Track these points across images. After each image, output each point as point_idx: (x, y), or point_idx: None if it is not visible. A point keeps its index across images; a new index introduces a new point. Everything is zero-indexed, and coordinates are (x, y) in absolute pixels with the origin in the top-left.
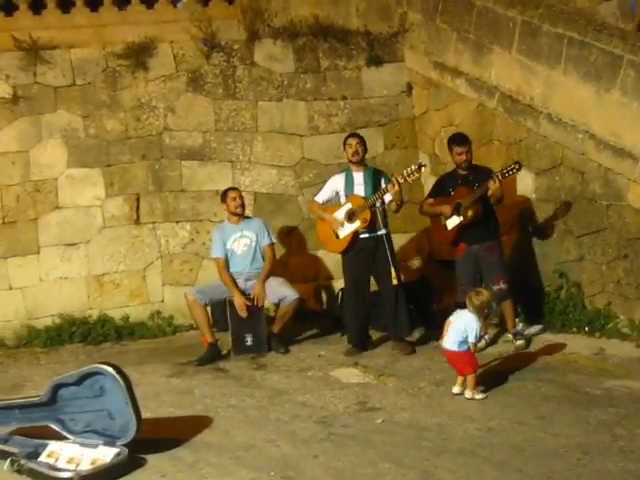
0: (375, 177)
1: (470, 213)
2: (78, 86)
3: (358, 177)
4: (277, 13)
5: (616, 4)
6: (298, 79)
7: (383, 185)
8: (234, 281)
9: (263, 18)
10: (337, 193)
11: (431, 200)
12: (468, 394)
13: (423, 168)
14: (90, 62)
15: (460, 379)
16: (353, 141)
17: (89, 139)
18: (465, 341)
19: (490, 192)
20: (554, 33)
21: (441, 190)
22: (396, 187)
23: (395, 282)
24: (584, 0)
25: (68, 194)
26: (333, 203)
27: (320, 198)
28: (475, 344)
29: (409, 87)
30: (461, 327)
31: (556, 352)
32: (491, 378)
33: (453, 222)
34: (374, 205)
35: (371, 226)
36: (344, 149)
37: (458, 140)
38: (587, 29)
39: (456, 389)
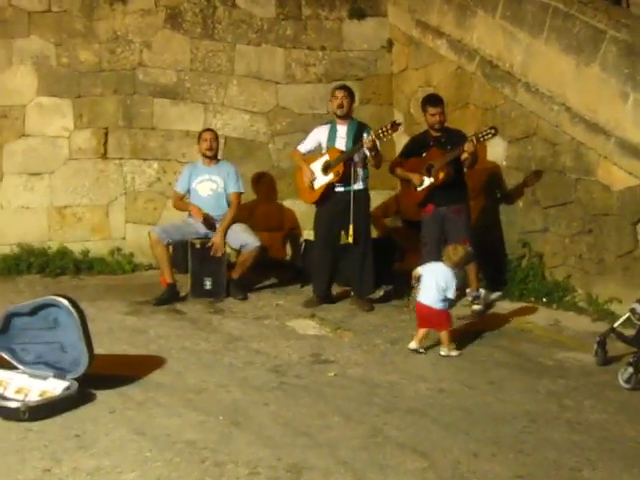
0: (358, 131)
1: (442, 175)
2: (53, 13)
3: (342, 130)
4: None
5: None
6: (278, 25)
7: (363, 139)
8: (188, 202)
9: None
10: (320, 144)
11: (402, 160)
12: (443, 351)
13: (399, 127)
14: None
15: (420, 335)
16: (339, 93)
17: (61, 68)
18: (445, 299)
19: (464, 155)
20: (539, 1)
21: (413, 150)
22: (371, 143)
23: (350, 240)
24: None
25: (35, 123)
26: (315, 153)
27: (303, 148)
28: (454, 300)
29: (389, 43)
30: (441, 284)
31: (512, 320)
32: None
33: (424, 183)
34: (350, 159)
35: (345, 180)
36: (330, 100)
37: (432, 101)
38: (573, 1)
39: (413, 345)
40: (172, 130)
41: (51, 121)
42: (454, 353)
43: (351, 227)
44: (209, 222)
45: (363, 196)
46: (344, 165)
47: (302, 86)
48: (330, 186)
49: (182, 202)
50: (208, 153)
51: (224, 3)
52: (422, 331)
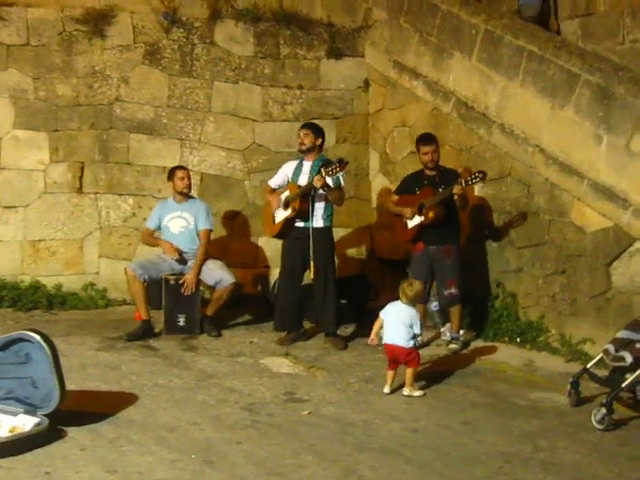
0: (321, 167)
1: (431, 214)
2: (32, 47)
3: (306, 166)
4: None
5: (578, 23)
6: (256, 63)
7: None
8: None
9: None
10: (288, 179)
11: (395, 197)
12: (406, 391)
13: (346, 165)
14: (47, 23)
15: (390, 379)
16: (301, 132)
17: (38, 102)
18: (413, 336)
19: (455, 197)
20: (515, 45)
21: (407, 188)
22: (321, 181)
23: (312, 277)
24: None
25: (11, 155)
26: (283, 188)
27: (273, 182)
28: (421, 335)
29: (366, 83)
30: (406, 321)
31: (486, 360)
32: (420, 380)
33: (414, 221)
34: (307, 195)
35: (302, 216)
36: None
37: (425, 139)
38: (548, 45)
39: (387, 389)
40: (148, 165)
41: (27, 154)
42: (417, 393)
43: (312, 264)
44: (183, 258)
45: (324, 234)
46: (301, 201)
47: (279, 124)
48: (290, 221)
49: (152, 238)
50: (184, 190)
51: (203, 41)
52: (390, 373)
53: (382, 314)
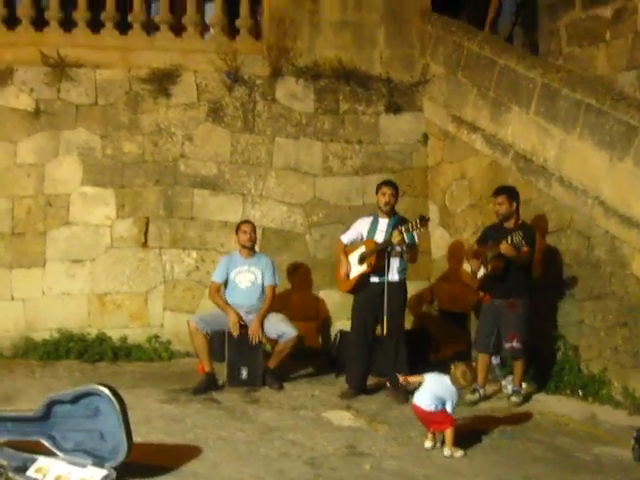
0: (397, 225)
1: (490, 267)
2: (100, 106)
3: (383, 223)
4: (302, 53)
5: (635, 75)
6: (317, 119)
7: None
8: (226, 302)
9: (288, 56)
10: (361, 236)
11: (475, 246)
12: (447, 452)
13: (426, 222)
14: (114, 83)
15: (430, 434)
16: (388, 190)
17: (105, 159)
18: (442, 404)
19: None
20: (572, 98)
21: (483, 238)
22: (399, 237)
23: (385, 332)
24: (604, 67)
25: (79, 211)
26: (357, 244)
27: (346, 238)
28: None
29: (425, 137)
30: (439, 393)
31: (548, 413)
32: (481, 434)
33: (479, 272)
34: (384, 250)
35: (378, 271)
36: (377, 195)
37: (495, 191)
38: (605, 97)
39: (428, 444)
40: (211, 220)
41: (94, 210)
42: (458, 454)
43: (385, 318)
44: (245, 329)
45: (398, 288)
46: (377, 257)
47: (339, 178)
48: (364, 276)
49: (220, 299)
50: (247, 244)
51: (264, 98)
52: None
53: (425, 375)
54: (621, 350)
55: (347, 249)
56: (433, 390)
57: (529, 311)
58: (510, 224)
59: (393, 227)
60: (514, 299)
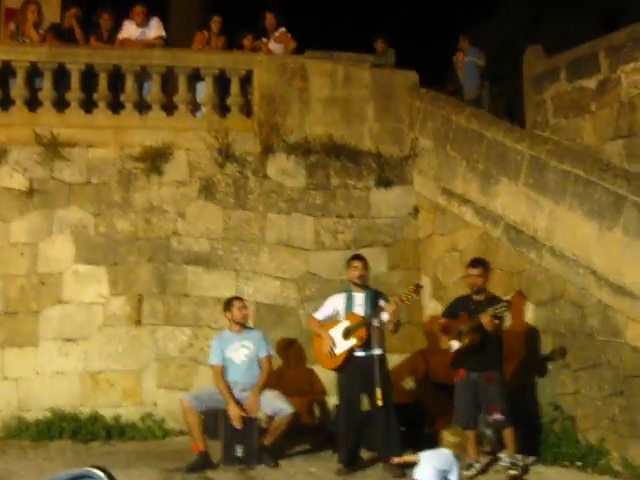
0: (374, 298)
1: (466, 340)
2: (93, 184)
3: (359, 298)
4: (292, 129)
5: (621, 144)
6: (308, 195)
7: (381, 304)
8: (230, 391)
9: (278, 133)
10: (337, 312)
11: (442, 320)
12: None
13: (420, 289)
14: (107, 162)
15: None
16: (359, 264)
17: (98, 237)
18: (445, 478)
19: (484, 325)
20: (561, 169)
21: (453, 311)
22: (394, 306)
23: (380, 403)
24: (591, 138)
25: (72, 289)
26: (332, 321)
27: (320, 315)
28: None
29: (416, 210)
30: (441, 467)
31: None
32: None
33: (453, 346)
34: (370, 323)
35: (366, 344)
36: (347, 269)
37: (472, 262)
38: (593, 168)
39: None
40: (205, 297)
41: (87, 288)
42: None
43: (378, 390)
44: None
45: (383, 361)
46: (366, 330)
47: (331, 253)
48: (351, 351)
49: (224, 386)
50: (244, 321)
51: (256, 174)
52: None
53: (420, 454)
54: (618, 419)
55: (323, 326)
56: (434, 464)
57: (505, 381)
58: (481, 297)
59: (372, 300)
60: (491, 372)
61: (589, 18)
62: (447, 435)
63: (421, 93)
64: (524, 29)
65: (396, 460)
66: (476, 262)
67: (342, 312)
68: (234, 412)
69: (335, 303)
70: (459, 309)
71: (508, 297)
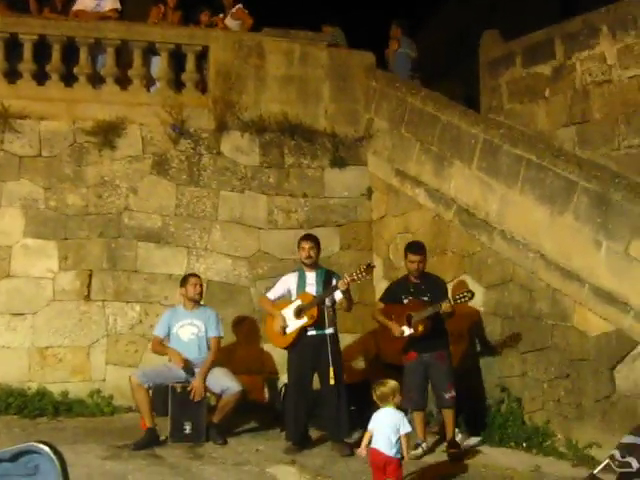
0: (327, 278)
1: (421, 328)
2: (44, 157)
3: (310, 277)
4: (247, 107)
5: (574, 130)
6: (262, 173)
7: (334, 283)
8: (168, 346)
9: (233, 110)
10: (289, 291)
11: (381, 305)
12: None
13: (372, 269)
14: (58, 135)
15: None
16: (307, 245)
17: (48, 211)
18: (398, 443)
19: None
20: (514, 154)
21: (393, 296)
22: (346, 283)
23: (332, 382)
24: (544, 123)
25: (21, 263)
26: (284, 300)
27: (272, 295)
28: (407, 436)
29: (369, 191)
30: (392, 424)
31: (493, 466)
32: None
33: (405, 332)
34: (323, 302)
35: (318, 323)
36: (298, 249)
37: (414, 248)
38: (545, 153)
39: None
40: (155, 273)
41: (36, 262)
42: None
43: (331, 369)
44: (189, 367)
45: (336, 339)
46: (317, 309)
47: (284, 232)
48: (303, 330)
49: (161, 346)
50: (198, 297)
51: (209, 151)
52: None
53: (370, 426)
54: (564, 402)
55: (275, 305)
56: (387, 424)
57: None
58: (418, 279)
59: (324, 279)
60: (442, 350)
61: (548, 4)
62: (379, 387)
63: (377, 74)
64: (483, 14)
65: (362, 450)
66: (417, 248)
67: (294, 291)
68: (176, 357)
69: (287, 282)
70: (398, 293)
71: (455, 280)
